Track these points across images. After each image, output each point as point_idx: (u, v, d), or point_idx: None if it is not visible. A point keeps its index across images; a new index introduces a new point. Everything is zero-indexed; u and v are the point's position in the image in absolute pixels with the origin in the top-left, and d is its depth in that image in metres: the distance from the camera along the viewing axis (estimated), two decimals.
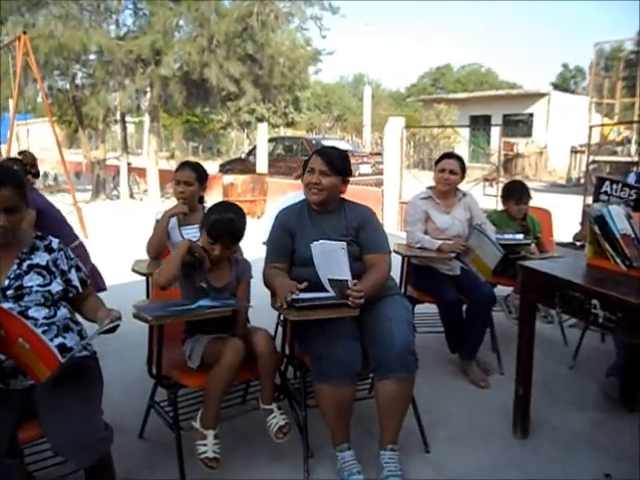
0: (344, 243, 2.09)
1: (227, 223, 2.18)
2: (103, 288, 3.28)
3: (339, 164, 2.39)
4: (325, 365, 2.13)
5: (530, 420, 2.58)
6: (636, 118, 14.15)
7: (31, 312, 1.84)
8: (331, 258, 2.10)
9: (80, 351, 1.88)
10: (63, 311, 1.93)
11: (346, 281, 2.09)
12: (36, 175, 3.67)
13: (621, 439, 2.52)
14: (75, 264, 2.03)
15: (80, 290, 2.01)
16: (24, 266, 1.88)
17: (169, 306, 2.11)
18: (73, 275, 1.99)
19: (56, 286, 1.91)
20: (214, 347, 2.15)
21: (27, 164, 3.60)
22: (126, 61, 9.83)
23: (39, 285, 1.87)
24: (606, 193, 2.44)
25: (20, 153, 3.75)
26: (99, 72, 10.27)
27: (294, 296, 2.09)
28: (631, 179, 3.46)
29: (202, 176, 2.97)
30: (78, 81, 11.69)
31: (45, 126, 9.59)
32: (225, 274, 2.28)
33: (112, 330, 1.83)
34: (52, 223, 3.25)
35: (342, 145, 13.32)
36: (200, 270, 2.23)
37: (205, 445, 2.07)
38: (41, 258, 1.93)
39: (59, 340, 1.87)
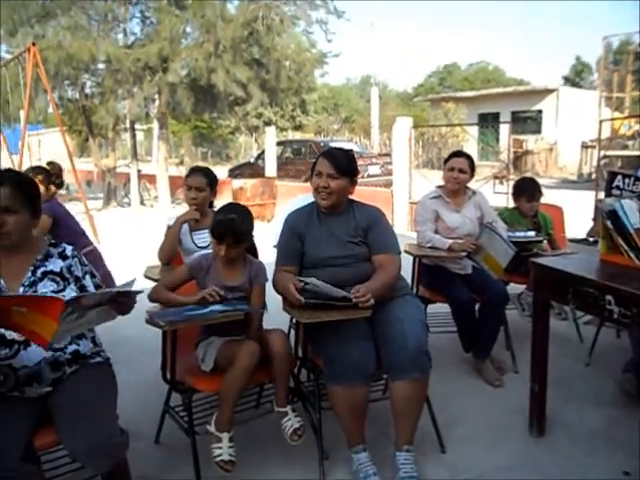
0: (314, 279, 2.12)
1: (229, 223, 2.20)
2: None
3: (346, 165, 2.38)
4: (338, 367, 2.13)
5: (546, 418, 2.56)
6: None
7: None
8: (323, 290, 2.11)
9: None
10: (75, 316, 1.94)
11: (344, 297, 2.09)
12: (60, 185, 3.75)
13: (637, 435, 2.49)
14: (89, 270, 2.04)
15: None
16: (38, 273, 1.90)
17: (183, 311, 2.12)
18: (88, 281, 2.00)
19: (70, 292, 1.92)
20: (228, 350, 2.16)
21: (53, 174, 3.69)
22: (134, 69, 9.91)
23: (53, 292, 1.88)
24: (618, 187, 2.42)
25: (48, 164, 3.87)
26: (108, 81, 10.36)
27: (299, 281, 2.09)
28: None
29: (213, 181, 2.99)
30: (87, 90, 11.80)
31: (56, 136, 9.68)
32: (239, 274, 2.29)
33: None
34: (66, 230, 3.29)
35: (350, 147, 13.31)
36: (208, 274, 2.25)
37: (220, 448, 2.08)
38: (55, 265, 1.94)
39: (73, 347, 1.89)
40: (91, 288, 2.01)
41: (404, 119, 8.75)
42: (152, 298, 2.26)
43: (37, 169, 3.65)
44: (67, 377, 1.86)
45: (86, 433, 1.65)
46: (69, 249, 2.01)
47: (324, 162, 2.36)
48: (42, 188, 3.23)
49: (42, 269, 1.91)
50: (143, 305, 2.24)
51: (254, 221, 2.35)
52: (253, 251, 2.48)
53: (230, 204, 2.43)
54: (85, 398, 1.77)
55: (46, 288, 1.88)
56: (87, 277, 2.01)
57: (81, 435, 1.65)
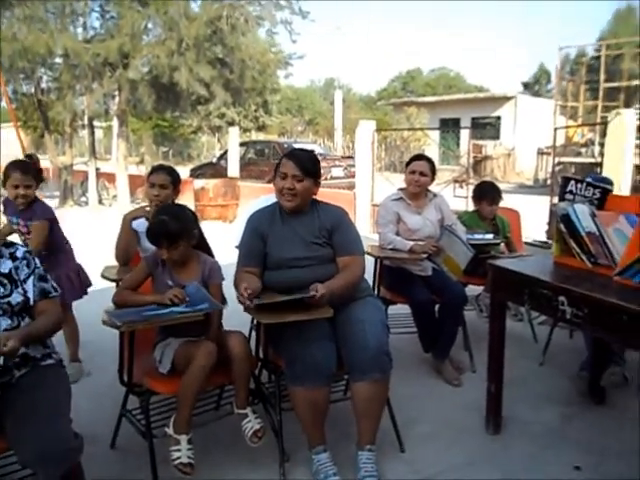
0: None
1: (159, 225, 2.19)
2: (88, 285, 3.29)
3: (311, 167, 2.36)
4: (300, 368, 2.12)
5: (502, 416, 2.62)
6: (599, 120, 14.53)
7: None
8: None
9: None
10: (27, 321, 1.87)
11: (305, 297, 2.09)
12: (40, 181, 3.17)
13: (590, 432, 2.58)
14: (40, 273, 1.95)
15: (31, 302, 1.89)
16: None
17: (141, 312, 2.08)
18: (29, 285, 1.90)
19: (17, 296, 1.85)
20: (186, 351, 2.13)
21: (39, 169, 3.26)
22: (93, 64, 9.66)
23: None
24: (571, 192, 2.50)
25: (27, 156, 3.43)
26: (65, 76, 10.06)
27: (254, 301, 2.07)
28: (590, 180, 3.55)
29: (176, 180, 2.95)
30: (44, 85, 11.43)
31: (10, 131, 9.35)
32: (193, 273, 2.27)
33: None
34: (59, 237, 3.18)
35: (314, 148, 13.34)
36: (165, 268, 2.23)
37: (179, 450, 2.05)
38: (4, 266, 1.86)
39: (22, 350, 1.81)
40: (30, 293, 1.89)
41: (367, 122, 8.82)
42: (117, 302, 2.20)
43: (28, 163, 3.18)
44: (16, 380, 1.79)
45: (37, 437, 1.59)
46: (21, 250, 1.93)
47: (289, 163, 2.32)
48: (34, 186, 3.00)
49: None
50: (98, 306, 2.19)
51: (197, 220, 2.33)
52: (206, 249, 2.45)
53: (164, 206, 2.42)
54: (36, 401, 1.71)
55: None
56: (29, 280, 1.90)
57: (32, 439, 1.59)
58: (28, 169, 3.02)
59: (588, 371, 2.86)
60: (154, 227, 2.20)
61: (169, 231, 2.17)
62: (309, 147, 11.80)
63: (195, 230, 2.29)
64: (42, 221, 3.02)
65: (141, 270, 2.29)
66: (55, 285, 2.02)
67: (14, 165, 3.01)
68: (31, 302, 1.90)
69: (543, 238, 5.62)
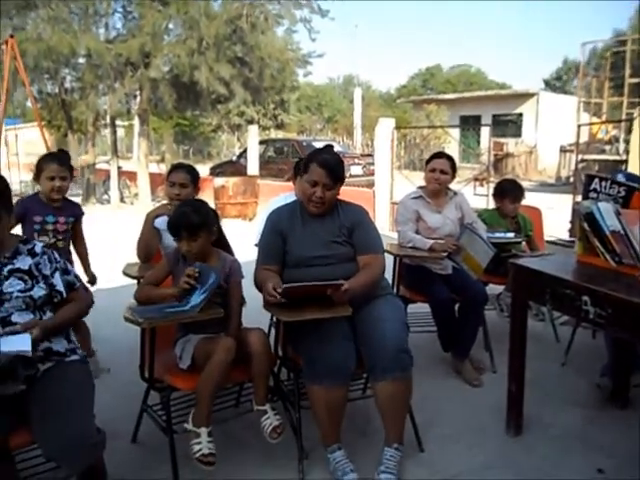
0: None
1: (180, 217, 2.21)
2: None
3: (341, 173, 2.36)
4: (318, 367, 2.13)
5: (523, 418, 2.59)
6: (624, 117, 14.27)
7: (14, 317, 1.81)
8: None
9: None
10: (49, 315, 1.91)
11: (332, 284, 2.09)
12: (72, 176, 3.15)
13: (613, 435, 2.53)
14: (62, 267, 2.00)
15: (64, 295, 1.97)
16: (4, 271, 1.85)
17: (163, 308, 2.10)
18: (57, 279, 1.95)
19: (38, 291, 1.88)
20: (205, 346, 2.15)
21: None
22: (115, 64, 9.79)
23: (20, 291, 1.84)
24: (595, 190, 2.46)
25: (60, 150, 3.33)
26: (88, 75, 10.21)
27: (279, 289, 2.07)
28: (620, 178, 3.49)
29: (196, 178, 2.97)
30: (67, 85, 11.61)
31: (34, 131, 9.51)
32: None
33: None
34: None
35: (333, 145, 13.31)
36: (185, 265, 2.24)
37: (199, 443, 2.06)
38: (23, 262, 1.90)
39: (46, 344, 1.85)
40: (60, 287, 1.95)
41: (387, 120, 8.78)
42: (139, 298, 2.23)
43: (64, 155, 3.14)
44: (41, 375, 1.83)
45: (61, 432, 1.62)
46: (39, 246, 1.97)
47: (321, 172, 2.30)
48: (68, 179, 2.99)
49: (9, 267, 1.86)
50: (120, 304, 2.21)
51: (218, 217, 2.35)
52: (225, 247, 2.47)
53: (186, 201, 2.44)
54: (60, 396, 1.74)
55: (12, 287, 1.83)
56: (57, 274, 1.96)
57: (56, 434, 1.62)
58: (64, 160, 3.02)
59: (610, 377, 2.79)
60: (175, 218, 2.22)
61: (189, 222, 2.18)
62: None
63: (215, 226, 2.30)
64: None
65: (162, 267, 2.32)
66: (77, 274, 2.08)
67: (50, 156, 3.02)
68: (64, 295, 1.96)
69: (566, 237, 5.54)
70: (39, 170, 2.97)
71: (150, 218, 2.81)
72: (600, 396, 2.83)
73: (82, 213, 3.22)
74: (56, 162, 2.96)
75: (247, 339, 2.20)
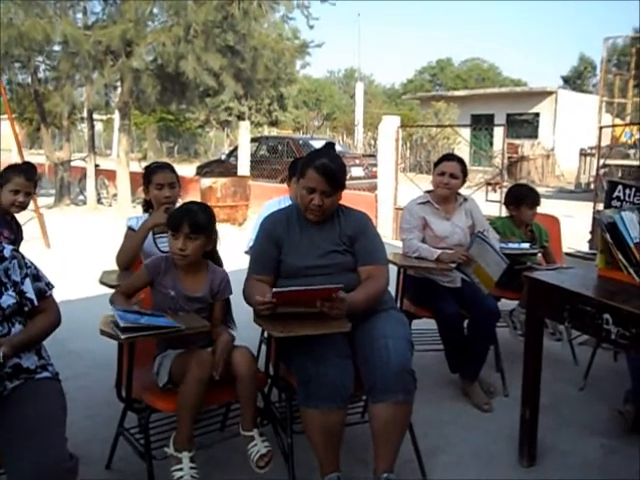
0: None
1: (186, 211, 2.25)
2: None
3: (341, 178, 2.36)
4: (313, 387, 2.12)
5: (537, 446, 2.59)
6: None
7: None
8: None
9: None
10: (18, 328, 1.91)
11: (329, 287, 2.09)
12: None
13: (636, 467, 2.53)
14: (33, 273, 2.00)
15: (35, 303, 1.97)
16: None
17: (140, 318, 2.08)
18: (27, 286, 1.95)
19: (7, 299, 1.88)
20: (181, 361, 2.15)
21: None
22: (94, 52, 9.78)
23: None
24: (618, 198, 2.48)
25: (25, 164, 3.33)
26: (64, 64, 10.21)
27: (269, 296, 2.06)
28: None
29: (178, 177, 3.00)
30: (40, 74, 11.62)
31: (4, 124, 9.51)
32: (201, 284, 2.29)
33: None
34: None
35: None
36: (169, 275, 2.24)
37: (181, 470, 2.05)
38: None
39: (14, 360, 1.84)
40: (31, 294, 1.95)
41: (391, 118, 8.83)
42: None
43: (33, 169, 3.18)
44: (9, 394, 1.82)
45: (30, 456, 1.61)
46: (8, 249, 1.97)
47: (319, 178, 2.29)
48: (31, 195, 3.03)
49: None
50: (94, 315, 2.21)
51: (216, 223, 2.37)
52: (216, 260, 2.48)
53: (187, 202, 2.46)
54: (29, 418, 1.73)
55: None
56: (27, 281, 1.96)
57: (25, 458, 1.61)
58: (31, 175, 3.04)
59: (633, 403, 2.80)
60: (179, 211, 2.26)
61: (195, 218, 2.22)
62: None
63: (214, 234, 2.33)
64: None
65: (140, 277, 2.31)
66: (48, 280, 2.07)
67: (19, 169, 3.04)
68: (35, 303, 1.96)
69: (585, 248, 5.56)
70: (4, 180, 2.96)
71: (146, 228, 2.76)
72: (622, 424, 2.83)
73: (21, 239, 3.19)
74: (24, 176, 2.97)
75: (231, 359, 2.19)
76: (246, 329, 2.48)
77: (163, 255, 2.40)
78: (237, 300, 2.38)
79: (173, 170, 2.98)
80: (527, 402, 2.56)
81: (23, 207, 3.01)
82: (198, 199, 9.41)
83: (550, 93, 21.14)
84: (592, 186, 12.93)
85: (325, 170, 2.30)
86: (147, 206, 3.01)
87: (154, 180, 2.90)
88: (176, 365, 2.17)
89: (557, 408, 3.03)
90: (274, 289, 2.07)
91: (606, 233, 2.33)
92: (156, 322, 2.05)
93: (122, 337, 1.97)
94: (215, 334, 2.25)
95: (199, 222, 2.23)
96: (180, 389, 2.08)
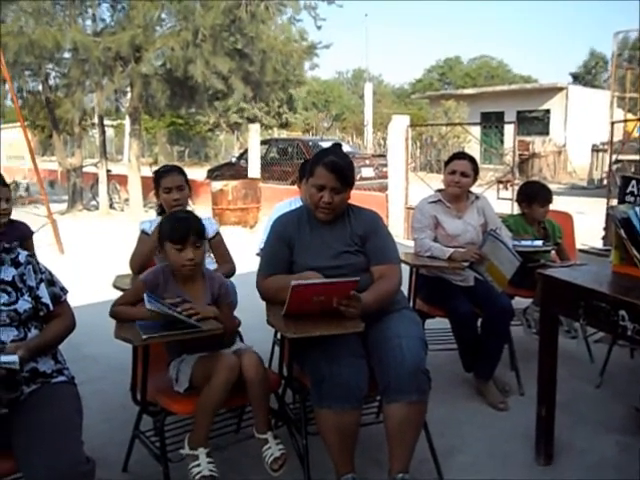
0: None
1: (186, 222, 2.24)
2: None
3: (350, 175, 2.37)
4: (327, 388, 2.12)
5: (554, 445, 2.57)
6: None
7: None
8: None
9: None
10: (34, 332, 1.93)
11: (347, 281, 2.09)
12: None
13: None
14: (47, 278, 2.02)
15: (51, 308, 1.99)
16: None
17: (157, 325, 2.08)
18: (43, 291, 1.97)
19: (23, 304, 1.90)
20: (204, 366, 2.15)
21: None
22: (103, 59, 9.86)
23: (3, 304, 1.85)
24: (632, 194, 2.46)
25: None
26: (74, 71, 10.30)
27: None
28: None
29: (187, 179, 3.02)
30: (51, 82, 11.74)
31: (16, 131, 9.61)
32: (201, 292, 2.28)
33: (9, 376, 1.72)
34: None
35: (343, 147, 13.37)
36: (168, 285, 2.24)
37: (198, 465, 2.06)
38: (6, 273, 1.91)
39: (31, 365, 1.86)
40: (46, 299, 1.97)
41: (400, 117, 8.81)
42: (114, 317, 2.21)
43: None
44: (26, 398, 1.84)
45: (47, 460, 1.63)
46: (23, 255, 1.99)
47: (328, 175, 2.30)
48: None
49: None
50: (108, 320, 2.22)
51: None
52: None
53: (170, 214, 2.47)
54: (46, 421, 1.75)
55: None
56: (42, 286, 1.98)
57: (42, 462, 1.62)
58: (3, 181, 3.05)
59: None
60: (180, 224, 2.23)
61: (197, 226, 2.24)
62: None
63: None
64: None
65: (137, 290, 2.25)
66: (62, 285, 2.09)
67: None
68: (50, 308, 1.98)
69: (599, 245, 5.53)
70: None
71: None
72: (638, 421, 2.81)
73: (31, 232, 3.22)
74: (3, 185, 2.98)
75: (240, 363, 2.17)
76: (259, 331, 2.49)
77: (159, 267, 2.37)
78: (247, 303, 2.39)
79: (181, 172, 3.00)
80: (543, 400, 2.55)
81: (7, 213, 3.02)
82: (209, 202, 9.49)
83: (561, 89, 20.99)
84: (605, 182, 12.82)
85: (334, 166, 2.31)
86: (161, 210, 3.03)
87: (162, 184, 2.93)
88: (199, 369, 2.16)
89: (573, 406, 3.00)
90: (293, 281, 2.06)
91: (620, 229, 2.31)
92: (181, 317, 2.03)
93: (144, 337, 1.97)
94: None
95: (201, 228, 2.25)
96: (203, 393, 2.09)
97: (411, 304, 3.18)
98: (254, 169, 11.56)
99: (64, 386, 1.94)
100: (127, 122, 14.92)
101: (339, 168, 2.32)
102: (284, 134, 25.73)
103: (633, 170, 13.64)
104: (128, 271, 2.89)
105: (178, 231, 2.21)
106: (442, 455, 2.49)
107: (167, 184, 2.91)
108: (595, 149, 17.79)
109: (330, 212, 2.36)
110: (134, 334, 2.02)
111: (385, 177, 9.59)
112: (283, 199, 3.58)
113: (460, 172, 3.28)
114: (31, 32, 9.57)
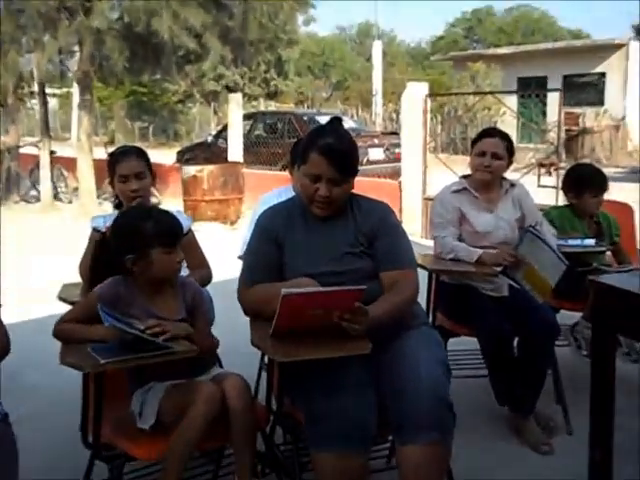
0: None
1: (173, 220, 2.29)
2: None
3: (352, 163, 2.37)
4: (326, 426, 2.11)
5: None
6: None
7: None
8: None
9: None
10: None
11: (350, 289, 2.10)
12: None
13: None
14: None
15: None
16: None
17: (114, 347, 2.07)
18: None
19: None
20: (177, 396, 2.16)
21: None
22: (44, 10, 9.84)
23: None
24: None
25: None
26: (7, 25, 10.27)
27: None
28: None
29: (149, 163, 3.00)
30: None
31: None
32: (172, 302, 2.29)
33: None
34: None
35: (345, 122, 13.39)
36: (136, 299, 2.24)
37: None
38: None
39: None
40: None
41: (417, 85, 8.82)
42: (57, 337, 2.20)
43: None
44: None
45: None
46: None
47: (323, 162, 2.29)
48: None
49: None
50: (52, 341, 2.21)
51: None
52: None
53: (131, 209, 2.54)
54: None
55: None
56: None
57: None
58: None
59: None
60: (171, 223, 2.28)
61: (180, 225, 2.31)
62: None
63: None
64: None
65: (90, 305, 2.22)
66: None
67: None
68: None
69: None
70: None
71: None
72: None
73: None
74: None
75: (221, 389, 2.19)
76: (241, 354, 2.49)
77: (116, 278, 2.30)
78: (226, 318, 2.39)
79: (142, 155, 2.98)
80: (597, 441, 2.54)
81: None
82: (180, 193, 9.47)
83: (619, 46, 20.98)
84: None
85: (332, 152, 2.29)
86: (119, 203, 3.01)
87: (117, 171, 2.90)
88: (169, 401, 2.17)
89: (635, 448, 3.01)
90: (283, 290, 2.05)
91: None
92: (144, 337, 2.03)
93: (102, 362, 1.96)
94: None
95: (181, 225, 2.32)
96: (178, 431, 2.08)
97: (430, 319, 3.19)
98: (235, 150, 11.56)
99: None
100: (75, 91, 14.90)
101: (338, 154, 2.30)
102: (272, 106, 25.76)
103: None
104: (78, 279, 2.88)
105: (168, 234, 2.24)
106: None
107: (123, 171, 2.88)
108: None
109: (328, 207, 2.36)
110: (84, 358, 2.01)
111: (398, 160, 9.60)
112: (271, 188, 3.58)
113: (491, 153, 3.29)
114: None
